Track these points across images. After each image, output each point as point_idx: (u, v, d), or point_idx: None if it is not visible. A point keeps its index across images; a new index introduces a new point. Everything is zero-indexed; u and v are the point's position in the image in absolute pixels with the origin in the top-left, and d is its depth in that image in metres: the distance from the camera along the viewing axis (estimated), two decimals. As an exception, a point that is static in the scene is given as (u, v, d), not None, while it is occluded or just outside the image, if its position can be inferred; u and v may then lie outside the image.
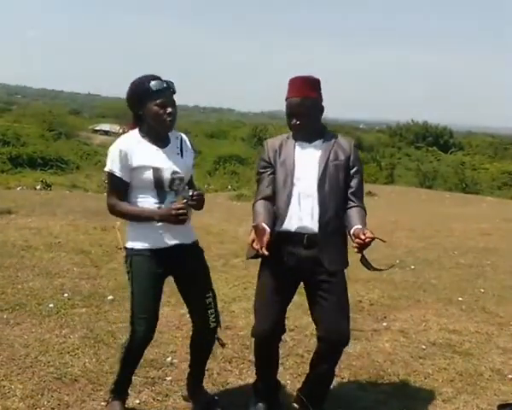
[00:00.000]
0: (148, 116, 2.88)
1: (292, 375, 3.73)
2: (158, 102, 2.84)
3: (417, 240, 8.66)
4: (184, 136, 3.11)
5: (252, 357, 3.92)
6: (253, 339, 3.16)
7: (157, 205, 2.89)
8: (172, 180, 2.91)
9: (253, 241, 2.73)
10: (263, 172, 3.08)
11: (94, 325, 4.29)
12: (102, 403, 3.18)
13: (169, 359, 3.81)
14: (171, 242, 2.93)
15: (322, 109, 3.04)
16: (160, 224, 2.87)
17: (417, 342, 4.47)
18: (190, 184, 3.09)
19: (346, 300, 3.04)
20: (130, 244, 2.96)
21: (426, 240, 8.71)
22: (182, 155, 3.01)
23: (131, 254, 2.95)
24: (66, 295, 4.92)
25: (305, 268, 2.98)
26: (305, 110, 2.93)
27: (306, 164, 2.99)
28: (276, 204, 2.99)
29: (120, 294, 4.88)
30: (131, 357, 3.04)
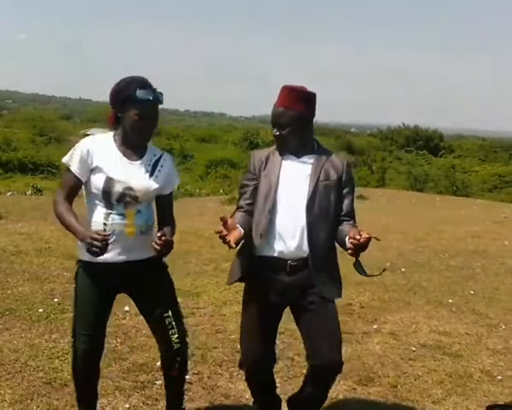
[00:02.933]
0: (126, 122, 2.71)
1: (282, 378, 3.74)
2: (139, 112, 2.66)
3: (408, 243, 8.69)
4: (169, 157, 2.90)
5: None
6: (245, 374, 3.03)
7: (106, 212, 2.70)
8: (122, 195, 2.69)
9: (220, 231, 2.50)
10: (246, 185, 2.89)
11: (84, 330, 4.28)
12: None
13: (158, 363, 3.74)
14: (118, 258, 2.71)
15: (308, 124, 2.82)
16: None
17: (407, 344, 4.49)
18: (165, 208, 2.89)
19: (338, 326, 2.85)
20: (79, 255, 2.79)
21: (416, 243, 8.75)
22: (151, 175, 2.77)
23: (78, 265, 2.81)
24: (56, 300, 4.90)
25: (290, 295, 2.81)
26: (285, 122, 2.75)
27: (293, 180, 2.79)
28: (255, 219, 2.80)
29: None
30: (79, 375, 2.86)
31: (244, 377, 3.10)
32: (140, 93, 2.63)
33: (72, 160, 2.72)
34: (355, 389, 3.71)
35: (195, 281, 5.82)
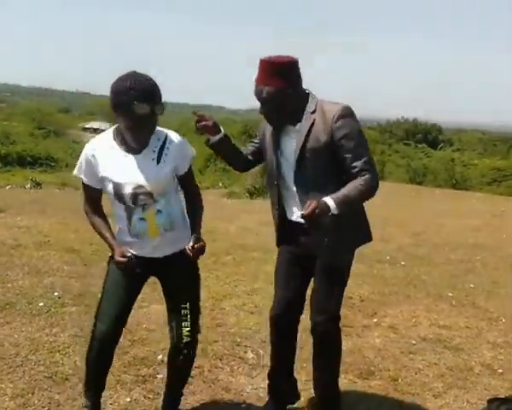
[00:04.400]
0: (122, 125, 2.60)
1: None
2: (132, 123, 2.54)
3: (407, 236, 8.69)
4: (173, 135, 2.74)
5: (243, 354, 3.94)
6: (269, 321, 3.09)
7: (127, 217, 2.72)
8: (135, 195, 2.64)
9: (199, 120, 2.85)
10: (252, 142, 3.19)
11: (84, 324, 4.26)
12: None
13: (160, 356, 3.79)
14: (147, 255, 2.79)
15: (290, 96, 2.69)
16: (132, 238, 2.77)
17: (407, 337, 4.49)
18: (186, 186, 2.88)
19: (332, 291, 2.94)
20: None
21: (416, 236, 8.75)
22: (158, 161, 2.67)
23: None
24: (56, 293, 4.89)
25: (310, 253, 2.90)
26: (265, 99, 2.70)
27: (286, 153, 2.82)
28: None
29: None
30: (93, 357, 2.85)
31: (268, 326, 3.14)
32: (136, 106, 2.47)
33: (81, 171, 2.71)
34: (355, 382, 3.71)
35: (195, 275, 5.81)
